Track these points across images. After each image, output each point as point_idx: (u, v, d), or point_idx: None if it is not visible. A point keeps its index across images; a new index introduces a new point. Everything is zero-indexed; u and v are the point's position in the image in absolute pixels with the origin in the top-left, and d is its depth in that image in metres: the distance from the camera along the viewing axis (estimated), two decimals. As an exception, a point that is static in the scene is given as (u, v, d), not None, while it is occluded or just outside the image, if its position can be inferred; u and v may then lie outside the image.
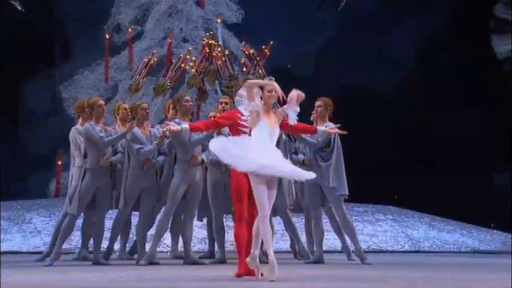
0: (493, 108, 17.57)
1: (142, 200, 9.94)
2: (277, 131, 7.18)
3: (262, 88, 7.16)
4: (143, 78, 11.19)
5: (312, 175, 7.20)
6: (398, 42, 19.36)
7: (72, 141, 10.48)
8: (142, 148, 9.79)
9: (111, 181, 9.85)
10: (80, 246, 10.86)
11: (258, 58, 11.27)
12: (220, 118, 7.87)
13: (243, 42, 12.05)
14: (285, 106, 7.19)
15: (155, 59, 11.44)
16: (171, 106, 10.44)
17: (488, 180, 17.96)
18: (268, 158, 6.91)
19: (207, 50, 11.50)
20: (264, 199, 6.93)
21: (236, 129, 7.55)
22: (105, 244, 10.34)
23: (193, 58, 11.93)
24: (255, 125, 7.12)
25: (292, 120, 7.22)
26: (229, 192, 10.01)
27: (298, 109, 7.21)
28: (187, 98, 9.98)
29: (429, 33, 19.42)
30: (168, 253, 11.30)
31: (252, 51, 11.35)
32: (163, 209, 10.00)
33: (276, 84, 7.16)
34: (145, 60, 11.47)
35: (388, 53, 19.36)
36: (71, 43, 20.70)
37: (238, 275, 7.26)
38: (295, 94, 7.14)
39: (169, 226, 10.07)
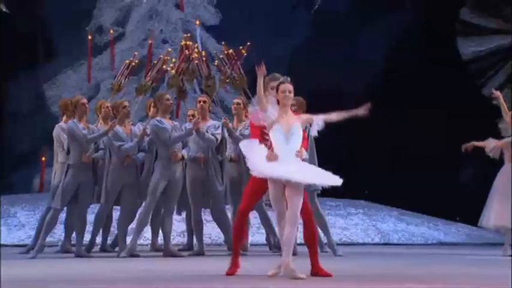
0: (460, 107, 17.69)
1: (124, 195, 9.93)
2: (296, 131, 6.60)
3: (276, 89, 6.76)
4: (125, 79, 11.17)
5: (339, 181, 6.66)
6: (369, 43, 19.44)
7: (56, 138, 10.45)
8: (123, 145, 9.79)
9: (93, 177, 9.83)
10: (62, 239, 10.83)
11: (235, 58, 11.27)
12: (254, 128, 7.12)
13: (223, 43, 12.03)
14: (315, 116, 6.73)
15: (136, 61, 11.41)
16: (152, 104, 10.45)
17: (454, 176, 18.08)
18: (274, 163, 6.48)
19: (187, 53, 11.49)
20: (278, 205, 6.53)
21: (260, 131, 6.94)
22: (87, 237, 10.31)
23: (173, 59, 11.91)
24: (269, 129, 6.64)
25: (314, 131, 6.76)
26: (208, 187, 10.10)
27: (322, 124, 6.75)
28: (168, 96, 10.01)
29: (400, 33, 19.52)
30: (148, 246, 11.28)
31: (231, 50, 11.34)
32: (143, 203, 9.99)
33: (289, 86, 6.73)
34: (127, 62, 11.43)
35: (359, 54, 19.43)
36: (54, 44, 20.57)
37: (230, 274, 6.74)
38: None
39: (149, 220, 10.07)
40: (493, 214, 10.30)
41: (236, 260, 6.82)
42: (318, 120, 6.72)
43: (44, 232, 9.73)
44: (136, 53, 12.55)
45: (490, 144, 10.63)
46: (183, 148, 9.89)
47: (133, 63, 11.22)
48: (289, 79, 6.80)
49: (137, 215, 10.13)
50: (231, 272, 6.75)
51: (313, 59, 17.24)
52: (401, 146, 18.19)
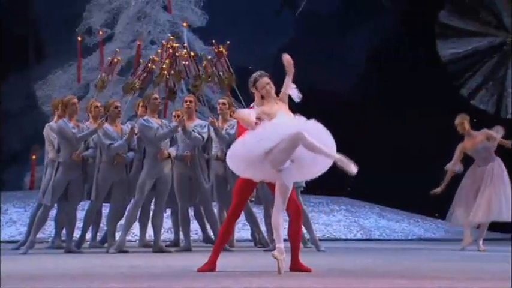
0: (435, 107, 17.74)
1: (113, 192, 9.89)
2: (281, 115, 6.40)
3: (256, 87, 6.62)
4: (108, 76, 11.05)
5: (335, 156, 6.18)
6: (354, 44, 19.49)
7: (46, 137, 10.40)
8: (112, 144, 9.75)
9: (82, 174, 9.78)
10: (53, 235, 10.77)
11: (225, 56, 11.14)
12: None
13: (214, 41, 11.94)
14: (284, 86, 6.57)
15: (118, 58, 11.31)
16: (141, 104, 10.44)
17: (432, 174, 18.13)
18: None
19: (178, 54, 11.41)
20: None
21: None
22: (77, 234, 10.26)
23: (167, 61, 11.80)
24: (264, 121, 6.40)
25: (297, 97, 6.59)
26: (195, 185, 10.07)
27: (296, 91, 6.61)
28: (156, 96, 10.00)
29: (383, 35, 19.59)
30: (137, 242, 11.24)
31: (221, 48, 11.24)
32: (132, 200, 9.95)
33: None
34: (109, 58, 11.35)
35: (344, 54, 19.48)
36: (44, 45, 20.50)
37: (202, 270, 6.47)
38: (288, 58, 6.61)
39: (138, 217, 10.01)
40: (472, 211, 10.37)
41: (214, 259, 6.55)
42: (288, 91, 6.58)
43: (34, 228, 9.68)
44: (118, 50, 12.41)
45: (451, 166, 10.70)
46: (171, 146, 9.85)
47: (115, 60, 11.10)
48: (263, 73, 6.69)
49: (126, 212, 10.10)
50: (204, 269, 6.46)
51: (299, 59, 17.19)
52: (383, 144, 18.22)
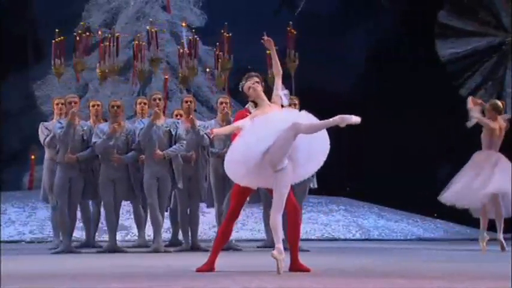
0: (436, 107, 17.76)
1: (116, 190, 9.78)
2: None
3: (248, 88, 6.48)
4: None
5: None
6: (354, 44, 19.51)
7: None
8: (96, 142, 9.69)
9: (81, 174, 9.73)
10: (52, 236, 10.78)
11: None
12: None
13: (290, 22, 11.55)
14: (275, 88, 6.48)
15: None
16: (139, 101, 10.48)
17: (432, 174, 18.17)
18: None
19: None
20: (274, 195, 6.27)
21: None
22: (76, 234, 10.25)
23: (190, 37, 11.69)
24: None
25: (284, 101, 6.50)
26: (193, 185, 10.06)
27: (286, 91, 6.53)
28: (155, 96, 10.03)
29: (383, 35, 19.60)
30: (135, 241, 11.24)
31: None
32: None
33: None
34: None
35: (344, 54, 19.50)
36: (43, 44, 20.48)
37: (201, 270, 6.46)
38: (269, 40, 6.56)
39: (160, 218, 9.81)
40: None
41: (213, 259, 6.53)
42: (279, 92, 6.51)
43: (61, 231, 9.68)
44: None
45: (474, 113, 10.37)
46: (170, 146, 9.79)
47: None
48: (248, 75, 6.61)
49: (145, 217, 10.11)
50: (203, 269, 6.45)
51: (299, 59, 17.19)
52: (382, 144, 18.24)
